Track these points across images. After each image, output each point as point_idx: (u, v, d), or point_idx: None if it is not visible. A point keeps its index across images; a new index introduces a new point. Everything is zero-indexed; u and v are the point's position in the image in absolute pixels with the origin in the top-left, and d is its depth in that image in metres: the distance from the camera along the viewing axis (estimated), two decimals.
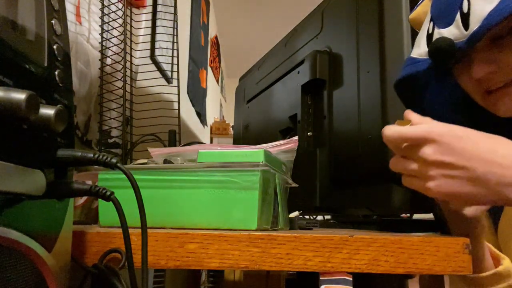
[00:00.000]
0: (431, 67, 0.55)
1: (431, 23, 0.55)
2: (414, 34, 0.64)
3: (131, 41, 1.09)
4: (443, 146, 0.42)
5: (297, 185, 0.59)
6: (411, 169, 0.45)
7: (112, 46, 1.08)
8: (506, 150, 0.42)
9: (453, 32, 0.51)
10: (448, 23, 0.52)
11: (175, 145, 1.05)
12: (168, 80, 1.64)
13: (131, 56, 1.13)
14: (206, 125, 3.11)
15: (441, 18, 0.53)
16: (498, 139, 0.43)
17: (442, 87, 0.63)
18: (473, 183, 0.42)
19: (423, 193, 0.45)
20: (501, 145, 0.42)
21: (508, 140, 0.43)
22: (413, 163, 0.44)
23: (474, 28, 0.48)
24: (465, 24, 0.49)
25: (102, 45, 1.01)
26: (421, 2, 0.62)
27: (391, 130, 0.45)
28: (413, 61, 0.57)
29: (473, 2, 0.48)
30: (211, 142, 3.46)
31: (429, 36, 0.55)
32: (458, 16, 0.50)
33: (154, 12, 1.49)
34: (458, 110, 0.64)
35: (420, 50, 0.57)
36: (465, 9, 0.49)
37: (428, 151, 0.42)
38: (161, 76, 1.56)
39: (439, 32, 0.53)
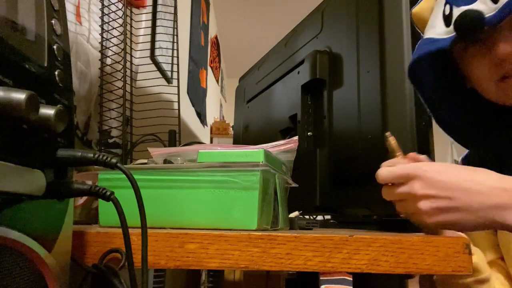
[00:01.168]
0: (455, 41, 0.53)
1: (447, 5, 0.54)
2: (414, 34, 0.64)
3: (131, 41, 1.09)
4: (427, 181, 0.46)
5: (297, 185, 0.59)
6: (403, 198, 0.49)
7: (112, 46, 1.08)
8: (483, 178, 0.45)
9: (479, 7, 0.50)
10: (472, 0, 0.51)
11: (175, 145, 1.05)
12: (168, 80, 1.64)
13: (131, 56, 1.13)
14: (206, 125, 3.11)
15: None
16: (476, 169, 0.47)
17: (447, 92, 0.64)
18: (459, 211, 0.45)
19: (419, 225, 0.49)
20: (478, 174, 0.46)
21: (485, 170, 0.47)
22: (404, 195, 0.48)
23: (505, 1, 0.47)
24: None
25: (102, 45, 1.01)
26: None
27: (384, 172, 0.50)
28: (431, 40, 0.56)
29: None
30: (211, 142, 3.46)
31: (447, 16, 0.54)
32: None
33: (154, 12, 1.49)
34: (461, 113, 0.65)
35: (438, 30, 0.56)
36: None
37: (415, 186, 0.46)
38: (161, 76, 1.56)
39: (461, 9, 0.52)
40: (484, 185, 0.45)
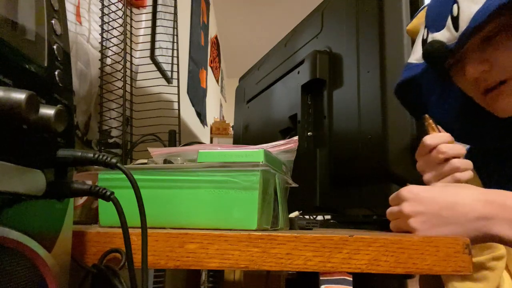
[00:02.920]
0: (426, 70, 0.58)
1: (426, 30, 0.57)
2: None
3: (131, 41, 1.09)
4: (415, 199, 0.49)
5: (297, 185, 0.59)
6: (397, 218, 0.52)
7: (112, 46, 1.08)
8: (467, 192, 0.48)
9: (445, 35, 0.53)
10: (440, 27, 0.54)
11: (175, 145, 1.05)
12: (168, 80, 1.64)
13: (131, 56, 1.13)
14: (206, 125, 3.11)
15: (434, 23, 0.55)
16: (460, 185, 0.51)
17: (447, 95, 0.65)
18: (448, 224, 0.47)
19: None
20: (462, 189, 0.49)
21: (470, 186, 0.50)
22: (396, 215, 0.52)
23: (464, 28, 0.50)
24: (456, 26, 0.52)
25: (102, 45, 1.01)
26: (417, 14, 0.64)
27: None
28: (410, 66, 0.60)
29: (462, 4, 0.51)
30: (211, 142, 3.46)
31: (424, 41, 0.57)
32: (449, 20, 0.53)
33: (154, 12, 1.49)
34: (462, 117, 0.65)
35: (416, 55, 0.60)
36: (455, 13, 0.52)
37: (404, 206, 0.49)
38: (161, 76, 1.56)
39: (432, 37, 0.55)
40: (468, 198, 0.47)
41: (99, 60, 1.00)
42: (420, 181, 0.57)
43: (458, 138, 0.67)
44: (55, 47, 0.34)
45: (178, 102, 1.22)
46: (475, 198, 0.47)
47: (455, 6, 0.52)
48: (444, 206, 0.47)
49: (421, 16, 0.62)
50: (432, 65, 0.57)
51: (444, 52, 0.53)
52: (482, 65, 0.54)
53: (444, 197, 0.48)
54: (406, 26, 0.64)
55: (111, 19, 1.05)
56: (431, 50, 0.54)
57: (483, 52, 0.54)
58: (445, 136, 0.57)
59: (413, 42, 0.64)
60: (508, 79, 0.54)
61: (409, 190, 0.50)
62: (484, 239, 0.47)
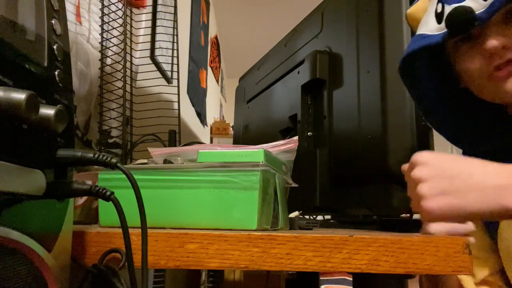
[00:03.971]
0: (446, 38, 0.55)
1: (439, 4, 0.55)
2: (414, 34, 0.64)
3: (131, 41, 1.09)
4: (428, 164, 0.47)
5: (297, 185, 0.59)
6: (410, 185, 0.50)
7: (112, 46, 1.08)
8: (480, 163, 0.46)
9: (469, 4, 0.52)
10: None
11: (175, 145, 1.05)
12: (168, 80, 1.64)
13: (131, 56, 1.13)
14: (206, 125, 3.11)
15: None
16: (471, 158, 0.48)
17: (443, 92, 0.64)
18: (460, 192, 0.45)
19: (421, 214, 0.49)
20: (475, 160, 0.47)
21: (480, 159, 0.47)
22: (409, 181, 0.50)
23: None
24: None
25: (102, 45, 1.01)
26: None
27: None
28: (423, 36, 0.57)
29: None
30: (211, 142, 3.46)
31: (439, 14, 0.55)
32: None
33: (154, 12, 1.49)
34: (457, 113, 0.65)
35: (430, 27, 0.57)
36: None
37: (417, 170, 0.48)
38: (161, 76, 1.56)
39: (452, 7, 0.53)
40: (482, 168, 0.46)
41: (99, 60, 1.00)
42: None
43: (453, 140, 0.66)
44: (55, 47, 0.34)
45: (178, 102, 1.22)
46: (489, 167, 0.46)
47: None
48: (458, 173, 0.46)
49: (425, 0, 0.61)
50: (455, 32, 0.54)
51: (472, 18, 0.51)
52: (504, 39, 0.53)
53: (459, 166, 0.46)
54: (406, 26, 0.64)
55: (111, 19, 1.05)
56: (458, 16, 0.52)
57: (506, 27, 0.53)
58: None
59: (412, 34, 0.63)
60: None
61: (421, 155, 0.49)
62: (495, 213, 0.45)
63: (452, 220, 0.47)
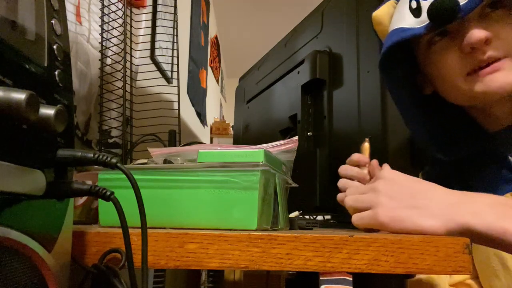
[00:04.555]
0: (430, 29, 0.54)
1: (413, 1, 0.54)
2: (379, 38, 0.64)
3: (131, 41, 1.09)
4: (393, 182, 0.50)
5: (297, 185, 0.59)
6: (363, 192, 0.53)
7: (112, 46, 1.08)
8: (433, 185, 0.49)
9: None
10: None
11: (175, 145, 1.05)
12: (168, 80, 1.64)
13: (131, 56, 1.13)
14: (206, 125, 3.11)
15: None
16: (423, 180, 0.52)
17: (414, 100, 0.63)
18: (419, 208, 0.47)
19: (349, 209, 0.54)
20: (427, 182, 0.50)
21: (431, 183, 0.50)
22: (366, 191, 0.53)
23: None
24: None
25: (102, 45, 1.01)
26: (385, 2, 0.61)
27: (349, 201, 0.55)
28: (403, 29, 0.56)
29: None
30: (211, 142, 3.46)
31: (416, 9, 0.54)
32: None
33: (154, 12, 1.49)
34: (435, 120, 0.64)
35: (408, 21, 0.56)
36: None
37: (378, 183, 0.51)
38: (161, 76, 1.56)
39: (430, 2, 0.52)
40: (436, 189, 0.49)
41: (99, 60, 1.00)
42: None
43: (430, 148, 0.64)
44: (55, 47, 0.34)
45: (178, 102, 1.22)
46: (441, 189, 0.48)
47: None
48: (416, 191, 0.49)
49: (390, 5, 0.61)
50: (438, 24, 0.53)
51: (456, 9, 0.50)
52: (486, 32, 0.52)
53: (419, 187, 0.49)
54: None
55: (111, 19, 1.05)
56: (442, 7, 0.51)
57: (487, 21, 0.53)
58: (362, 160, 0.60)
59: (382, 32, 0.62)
60: (509, 55, 0.52)
61: (389, 171, 0.52)
62: (455, 230, 0.46)
63: (401, 232, 0.48)
